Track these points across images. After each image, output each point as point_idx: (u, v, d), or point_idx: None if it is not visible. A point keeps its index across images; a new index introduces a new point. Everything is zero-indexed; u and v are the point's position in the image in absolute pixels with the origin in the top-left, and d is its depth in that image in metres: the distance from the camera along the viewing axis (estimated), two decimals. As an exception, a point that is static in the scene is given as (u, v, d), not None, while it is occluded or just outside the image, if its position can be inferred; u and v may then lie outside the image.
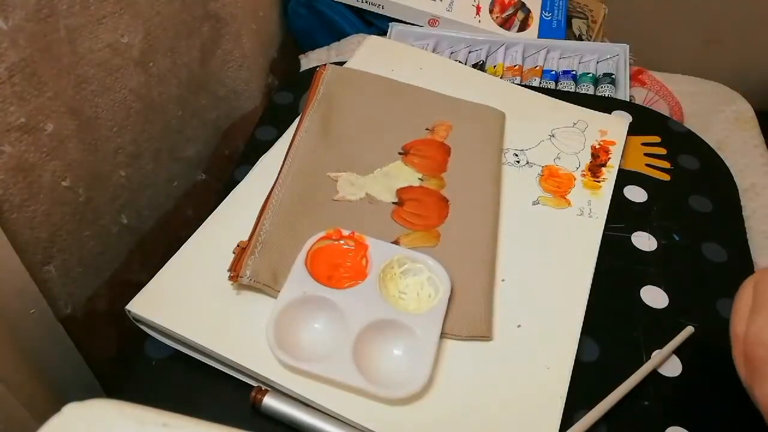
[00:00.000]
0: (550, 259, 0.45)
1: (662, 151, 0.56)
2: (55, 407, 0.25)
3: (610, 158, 0.54)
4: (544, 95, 0.60)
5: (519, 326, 0.41)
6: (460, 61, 0.67)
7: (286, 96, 0.61)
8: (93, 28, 0.45)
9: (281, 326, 0.38)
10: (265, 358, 0.37)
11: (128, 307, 0.39)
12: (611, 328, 0.42)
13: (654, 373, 0.40)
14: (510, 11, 0.75)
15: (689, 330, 0.42)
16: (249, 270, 0.40)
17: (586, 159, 0.54)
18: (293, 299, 0.39)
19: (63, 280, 0.47)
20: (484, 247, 0.44)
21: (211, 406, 0.37)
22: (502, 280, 0.44)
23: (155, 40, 0.52)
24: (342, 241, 0.43)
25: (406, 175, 0.49)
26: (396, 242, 0.44)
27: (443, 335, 0.39)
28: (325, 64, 0.58)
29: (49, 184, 0.43)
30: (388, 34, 0.72)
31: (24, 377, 0.43)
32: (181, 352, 0.39)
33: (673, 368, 0.41)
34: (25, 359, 0.43)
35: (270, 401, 0.36)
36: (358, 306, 0.39)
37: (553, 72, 0.68)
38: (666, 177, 0.54)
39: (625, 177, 0.53)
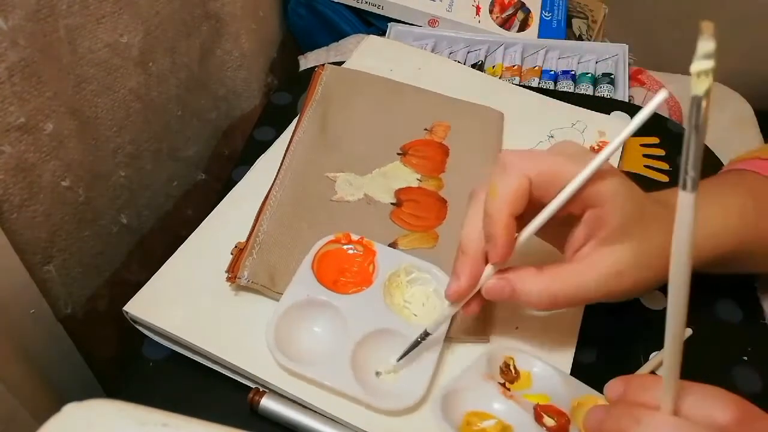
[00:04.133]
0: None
1: (661, 152, 0.56)
2: (55, 407, 0.26)
3: (608, 159, 0.54)
4: (542, 95, 0.60)
5: (517, 328, 0.41)
6: (458, 61, 0.67)
7: (284, 96, 0.61)
8: (92, 28, 0.45)
9: (282, 328, 0.38)
10: (262, 360, 0.37)
11: (126, 308, 0.39)
12: (609, 330, 0.42)
13: (652, 375, 0.40)
14: (510, 11, 0.75)
15: (687, 332, 0.42)
16: (247, 271, 0.40)
17: (585, 160, 0.54)
18: (296, 302, 0.39)
19: (63, 280, 0.47)
20: (482, 248, 0.44)
21: (209, 407, 0.38)
22: (501, 281, 0.44)
23: (155, 40, 0.52)
24: (350, 246, 0.43)
25: (405, 176, 0.49)
26: (394, 243, 0.44)
27: (441, 336, 0.39)
28: (323, 64, 0.58)
29: (49, 184, 0.44)
30: (387, 35, 0.72)
31: (24, 377, 0.43)
32: (179, 353, 0.40)
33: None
34: (25, 359, 0.43)
35: (268, 403, 0.36)
36: (362, 313, 0.39)
37: (552, 72, 0.68)
38: (665, 178, 0.54)
39: (623, 178, 0.53)
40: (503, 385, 0.36)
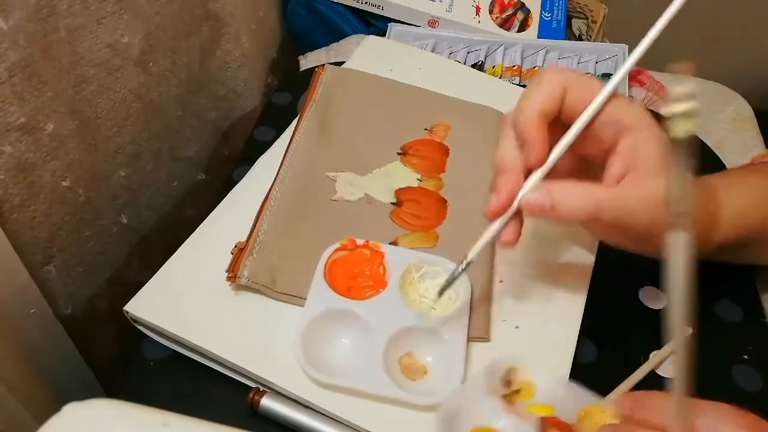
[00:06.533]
0: (548, 260, 0.45)
1: (661, 151, 0.56)
2: (55, 407, 0.26)
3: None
4: (543, 96, 0.60)
5: (517, 327, 0.41)
6: (458, 61, 0.67)
7: (284, 96, 0.61)
8: (93, 28, 0.45)
9: (307, 343, 0.38)
10: (262, 360, 0.37)
11: (126, 308, 0.39)
12: (609, 329, 0.42)
13: (652, 374, 0.40)
14: (510, 11, 0.75)
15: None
16: (247, 271, 0.40)
17: (585, 160, 0.54)
18: (318, 315, 0.39)
19: (63, 280, 0.47)
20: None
21: (209, 407, 0.38)
22: (500, 281, 0.44)
23: (155, 40, 0.52)
24: (357, 251, 0.42)
25: (405, 176, 0.49)
26: (394, 243, 0.44)
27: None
28: (323, 65, 0.58)
29: (49, 184, 0.44)
30: (387, 35, 0.72)
31: (24, 377, 0.43)
32: (179, 352, 0.40)
33: (671, 369, 0.41)
34: (25, 359, 0.43)
35: (268, 402, 0.36)
36: (383, 315, 0.39)
37: (553, 72, 0.68)
38: (665, 178, 0.54)
39: (623, 178, 0.53)
40: (506, 397, 0.36)
